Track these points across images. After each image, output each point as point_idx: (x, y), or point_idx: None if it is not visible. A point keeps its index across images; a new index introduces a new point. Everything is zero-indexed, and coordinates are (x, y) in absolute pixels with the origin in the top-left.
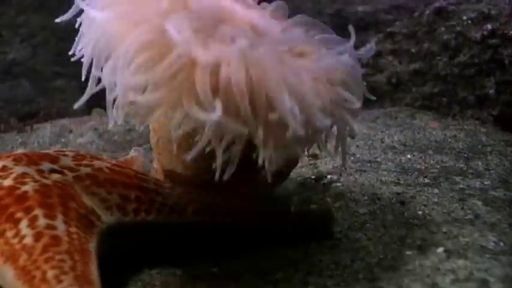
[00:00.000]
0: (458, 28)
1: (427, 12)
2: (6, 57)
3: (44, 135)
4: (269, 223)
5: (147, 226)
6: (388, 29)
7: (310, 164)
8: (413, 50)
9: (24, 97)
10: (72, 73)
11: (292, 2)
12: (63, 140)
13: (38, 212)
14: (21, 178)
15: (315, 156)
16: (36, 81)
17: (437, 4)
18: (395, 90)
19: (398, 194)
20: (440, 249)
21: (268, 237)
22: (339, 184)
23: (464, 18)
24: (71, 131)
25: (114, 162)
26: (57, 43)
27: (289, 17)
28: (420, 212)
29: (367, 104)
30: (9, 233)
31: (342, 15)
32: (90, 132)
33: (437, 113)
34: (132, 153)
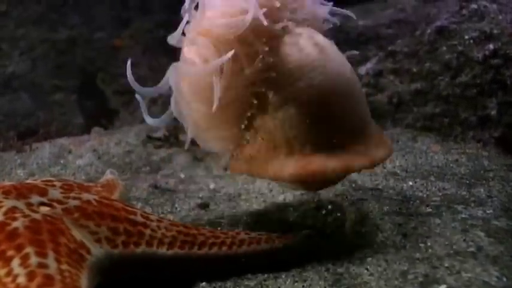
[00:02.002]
0: (460, 48)
1: (429, 31)
2: (6, 71)
3: (43, 156)
4: (256, 251)
5: (137, 258)
6: (389, 48)
7: (310, 192)
8: (414, 70)
9: (24, 111)
10: (72, 86)
11: None
12: (62, 161)
13: (29, 249)
14: (11, 213)
15: None
16: (36, 95)
17: (438, 23)
18: (397, 110)
19: (400, 225)
20: (442, 286)
21: (259, 264)
22: (339, 214)
23: (466, 37)
24: (70, 152)
25: (102, 194)
26: (57, 56)
27: None
28: (422, 245)
29: None
30: (2, 272)
31: (342, 30)
32: (89, 154)
33: (438, 134)
34: (108, 175)
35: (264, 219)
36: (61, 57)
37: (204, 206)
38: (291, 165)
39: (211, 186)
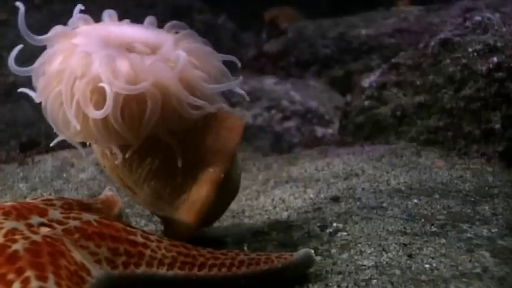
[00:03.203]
0: (463, 60)
1: (432, 43)
2: (7, 80)
3: (45, 170)
4: (255, 272)
5: (137, 279)
6: (393, 60)
7: (315, 210)
8: (418, 82)
9: (25, 120)
10: None
11: (295, 26)
12: (64, 175)
13: (29, 273)
14: (11, 235)
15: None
16: (37, 104)
17: (442, 35)
18: (400, 124)
19: (405, 245)
20: None
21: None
22: (344, 233)
23: (470, 50)
24: (72, 165)
25: (102, 214)
26: None
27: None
28: (428, 266)
29: (372, 137)
30: None
31: (345, 39)
32: (91, 167)
33: (442, 147)
34: (107, 191)
35: (269, 238)
36: None
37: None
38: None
39: None
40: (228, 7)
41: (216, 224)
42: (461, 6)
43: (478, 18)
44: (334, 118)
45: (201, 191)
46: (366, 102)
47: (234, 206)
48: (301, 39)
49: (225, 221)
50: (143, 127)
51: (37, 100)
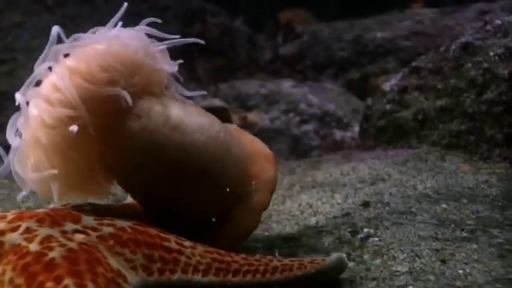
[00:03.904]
0: (485, 64)
1: (453, 47)
2: (22, 81)
3: None
4: (289, 278)
5: (172, 286)
6: (414, 64)
7: (344, 215)
8: (439, 86)
9: None
10: None
11: (310, 29)
12: None
13: (68, 281)
14: (47, 242)
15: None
16: None
17: (463, 39)
18: (422, 127)
19: (437, 250)
20: None
21: None
22: (376, 239)
23: (491, 54)
24: None
25: (134, 221)
26: None
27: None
28: (461, 271)
29: (393, 141)
30: None
31: (361, 42)
32: None
33: (464, 151)
34: (130, 198)
35: (299, 244)
36: None
37: None
38: None
39: None
40: (241, 10)
41: None
42: (476, 9)
43: (498, 22)
44: (352, 121)
45: (247, 216)
46: (388, 106)
47: None
48: (317, 42)
49: None
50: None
51: None
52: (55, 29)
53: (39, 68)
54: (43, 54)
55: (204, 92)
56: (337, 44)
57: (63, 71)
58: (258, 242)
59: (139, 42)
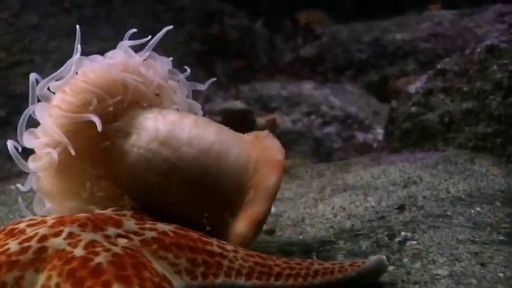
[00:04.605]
0: (511, 67)
1: (478, 50)
2: (39, 83)
3: None
4: (330, 282)
5: None
6: (439, 66)
7: (379, 218)
8: (465, 89)
9: None
10: None
11: (329, 30)
12: None
13: (116, 286)
14: (91, 247)
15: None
16: None
17: (488, 42)
18: (448, 130)
19: (476, 253)
20: None
21: None
22: (414, 242)
23: None
24: None
25: (175, 225)
26: None
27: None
28: (502, 275)
29: (419, 143)
30: None
31: (380, 44)
32: None
33: (491, 154)
34: None
35: (337, 247)
36: None
37: (270, 232)
38: None
39: (272, 210)
40: (258, 11)
41: (279, 233)
42: (494, 11)
43: None
44: (373, 123)
45: (241, 227)
46: (413, 109)
47: (293, 214)
48: (336, 44)
49: (286, 229)
50: None
51: None
52: (33, 76)
53: (27, 109)
54: (30, 97)
55: (214, 79)
56: (356, 45)
57: (42, 106)
58: (294, 245)
59: (115, 59)
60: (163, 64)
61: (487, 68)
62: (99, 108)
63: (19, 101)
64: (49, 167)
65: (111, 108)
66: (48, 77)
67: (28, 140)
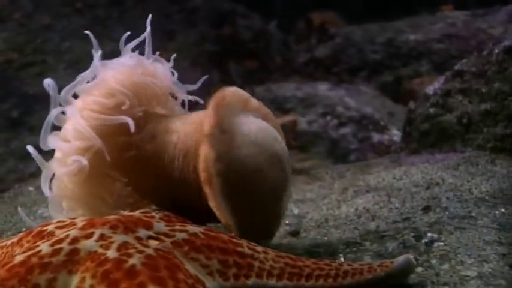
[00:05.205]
0: None
1: (496, 51)
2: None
3: None
4: (360, 283)
5: None
6: (456, 67)
7: (404, 220)
8: (483, 90)
9: None
10: None
11: (342, 31)
12: None
13: None
14: (124, 249)
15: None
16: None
17: (506, 43)
18: (467, 131)
19: (504, 255)
20: None
21: None
22: (441, 243)
23: None
24: None
25: (205, 227)
26: None
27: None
28: None
29: (437, 145)
30: None
31: (394, 44)
32: None
33: (510, 155)
34: None
35: (363, 249)
36: None
37: (295, 233)
38: None
39: (295, 211)
40: (271, 12)
41: (303, 234)
42: (507, 12)
43: None
44: (388, 124)
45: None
46: (431, 110)
47: (315, 215)
48: (349, 45)
49: (310, 231)
50: None
51: None
52: (47, 81)
53: (51, 113)
54: (52, 101)
55: (205, 76)
56: (370, 46)
57: (73, 109)
58: (320, 247)
59: (133, 61)
60: (166, 66)
61: (505, 69)
62: (130, 111)
63: (32, 102)
64: (78, 172)
65: (141, 113)
66: (73, 82)
67: (55, 143)
